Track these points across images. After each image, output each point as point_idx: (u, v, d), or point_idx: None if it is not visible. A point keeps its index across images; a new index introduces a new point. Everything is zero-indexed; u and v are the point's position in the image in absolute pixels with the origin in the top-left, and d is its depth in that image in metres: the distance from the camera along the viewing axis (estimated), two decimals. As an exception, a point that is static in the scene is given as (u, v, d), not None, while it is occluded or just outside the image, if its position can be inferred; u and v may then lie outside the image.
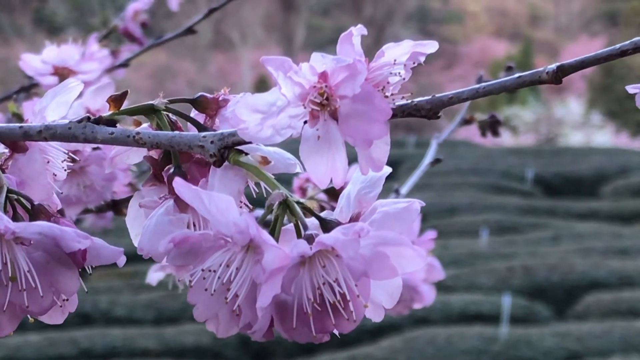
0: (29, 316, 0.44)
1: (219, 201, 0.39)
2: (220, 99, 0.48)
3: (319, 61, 0.41)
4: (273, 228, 0.42)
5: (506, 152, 9.99)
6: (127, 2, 1.20)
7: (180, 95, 0.50)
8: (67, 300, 0.44)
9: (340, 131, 0.41)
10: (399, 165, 7.12)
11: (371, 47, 0.43)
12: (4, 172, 0.46)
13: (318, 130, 0.42)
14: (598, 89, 14.96)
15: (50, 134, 0.45)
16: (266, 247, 0.39)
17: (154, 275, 0.86)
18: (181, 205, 0.45)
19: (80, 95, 0.53)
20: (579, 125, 13.27)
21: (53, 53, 0.93)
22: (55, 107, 0.47)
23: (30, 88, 1.03)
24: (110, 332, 4.12)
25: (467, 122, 1.05)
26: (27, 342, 3.91)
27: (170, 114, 0.47)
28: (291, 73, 0.41)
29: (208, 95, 0.48)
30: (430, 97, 0.42)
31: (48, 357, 3.87)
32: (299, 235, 0.42)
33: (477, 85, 0.42)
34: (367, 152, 0.42)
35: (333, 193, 0.81)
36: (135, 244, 0.46)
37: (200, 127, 0.47)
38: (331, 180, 0.43)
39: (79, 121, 0.45)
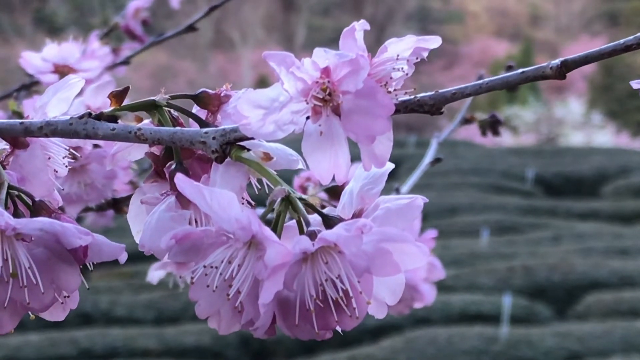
0: (29, 313, 0.43)
1: (221, 197, 0.39)
2: (222, 94, 0.48)
3: (322, 56, 0.40)
4: (275, 224, 0.42)
5: (507, 152, 9.99)
6: (127, 2, 1.20)
7: (181, 95, 0.50)
8: (68, 297, 0.44)
9: (343, 127, 0.41)
10: (399, 165, 7.11)
11: (372, 47, 0.43)
12: (4, 168, 0.46)
13: (320, 126, 0.41)
14: (599, 89, 14.96)
15: (51, 130, 0.45)
16: (268, 243, 0.39)
17: (154, 274, 0.86)
18: (183, 201, 0.45)
19: (81, 93, 0.53)
20: (580, 125, 13.26)
21: (53, 51, 0.93)
22: (57, 103, 0.47)
23: (30, 86, 1.03)
24: (110, 332, 4.11)
25: (467, 121, 1.05)
26: (27, 342, 3.91)
27: (171, 110, 0.47)
28: (293, 68, 0.41)
29: (210, 91, 0.48)
30: (433, 92, 0.42)
31: (48, 357, 3.86)
32: (301, 232, 0.42)
33: (480, 81, 0.42)
34: (370, 148, 0.42)
35: (334, 192, 0.81)
36: (137, 241, 0.45)
37: (202, 123, 0.47)
38: (334, 177, 0.43)
39: (80, 117, 0.45)
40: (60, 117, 0.46)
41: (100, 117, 0.45)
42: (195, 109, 0.49)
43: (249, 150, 0.44)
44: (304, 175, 0.86)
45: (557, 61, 0.40)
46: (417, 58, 0.43)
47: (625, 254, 5.40)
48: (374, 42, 0.42)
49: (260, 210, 0.43)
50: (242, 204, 0.45)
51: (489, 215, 6.58)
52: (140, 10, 1.18)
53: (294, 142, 0.45)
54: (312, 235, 0.40)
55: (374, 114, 0.40)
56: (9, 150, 0.47)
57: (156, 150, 0.48)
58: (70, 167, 0.50)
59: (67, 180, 0.72)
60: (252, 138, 0.43)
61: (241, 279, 0.40)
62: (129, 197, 0.82)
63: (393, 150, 0.44)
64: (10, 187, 0.44)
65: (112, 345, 3.96)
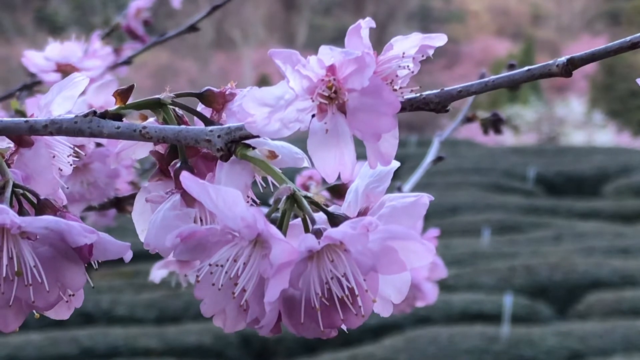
0: (34, 311, 0.43)
1: (227, 195, 0.39)
2: (227, 93, 0.48)
3: (327, 54, 0.40)
4: (281, 222, 0.42)
5: (508, 152, 9.98)
6: (129, 1, 1.20)
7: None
8: (73, 295, 0.44)
9: (349, 125, 0.41)
10: (401, 164, 7.06)
11: (373, 46, 0.43)
12: (9, 166, 0.46)
13: (326, 123, 0.41)
14: (600, 88, 14.95)
15: (56, 128, 0.45)
16: (274, 241, 0.39)
17: (157, 273, 0.86)
18: (188, 199, 0.45)
19: (83, 92, 0.53)
20: (581, 125, 13.26)
21: (56, 50, 0.93)
22: (61, 102, 0.47)
23: (32, 86, 1.02)
24: (112, 331, 4.11)
25: (469, 120, 1.04)
26: (28, 341, 3.91)
27: (176, 108, 0.47)
28: (299, 66, 0.41)
29: (215, 89, 0.48)
30: (439, 90, 0.42)
31: (50, 356, 3.86)
32: (306, 230, 0.42)
33: (486, 79, 0.42)
34: (376, 146, 0.42)
35: (336, 191, 0.80)
36: (142, 240, 0.45)
37: (207, 121, 0.47)
38: (339, 176, 0.43)
39: (85, 115, 0.45)
40: (65, 115, 0.46)
41: (105, 115, 0.45)
42: (200, 108, 0.49)
43: (254, 148, 0.44)
44: (306, 174, 0.86)
45: (563, 59, 0.40)
46: (422, 56, 0.43)
47: (627, 253, 5.39)
48: (376, 41, 0.42)
49: (266, 209, 0.43)
50: (247, 202, 0.45)
51: (490, 214, 6.58)
52: (142, 10, 1.18)
53: (299, 140, 0.45)
54: (318, 234, 0.40)
55: (380, 111, 0.40)
56: (14, 149, 0.47)
57: (161, 148, 0.48)
58: (73, 166, 0.50)
59: (70, 179, 0.72)
60: (258, 136, 0.43)
61: (247, 277, 0.40)
62: (131, 196, 0.82)
63: (394, 150, 0.44)
64: (15, 185, 0.44)
65: (114, 345, 3.96)
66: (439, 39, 0.43)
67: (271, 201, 0.43)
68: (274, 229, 0.39)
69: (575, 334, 3.95)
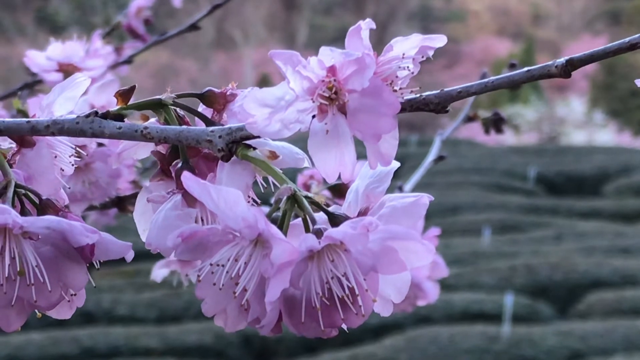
0: (36, 311, 0.44)
1: (228, 195, 0.39)
2: (228, 93, 0.48)
3: (328, 55, 0.41)
4: (281, 222, 0.42)
5: (508, 151, 9.99)
6: (129, 0, 1.20)
7: (183, 94, 0.50)
8: (75, 295, 0.44)
9: (349, 125, 0.41)
10: (401, 164, 7.06)
11: (374, 46, 0.43)
12: (11, 166, 0.46)
13: (326, 124, 0.41)
14: (600, 88, 14.95)
15: (58, 128, 0.45)
16: (275, 241, 0.39)
17: (158, 272, 0.86)
18: (189, 199, 0.45)
19: (85, 92, 0.53)
20: (582, 124, 13.26)
21: (58, 50, 0.93)
22: (63, 102, 0.47)
23: (33, 85, 1.03)
24: (112, 330, 4.12)
25: (470, 119, 1.05)
26: (29, 341, 3.91)
27: (177, 109, 0.47)
28: (300, 67, 0.41)
29: (216, 90, 0.48)
30: (438, 91, 0.42)
31: (50, 355, 3.87)
32: (307, 230, 0.42)
33: (486, 80, 0.42)
34: (376, 147, 0.42)
35: (337, 190, 0.81)
36: (144, 239, 0.46)
37: (208, 122, 0.47)
38: (339, 176, 0.43)
39: (87, 116, 0.45)
40: (67, 115, 0.46)
41: (106, 115, 0.45)
42: (201, 108, 0.49)
43: (255, 148, 0.44)
44: (307, 173, 0.86)
45: (562, 60, 0.40)
46: (422, 57, 0.43)
47: (627, 252, 5.39)
48: (376, 41, 0.42)
49: (266, 209, 0.44)
50: (248, 202, 0.45)
51: (491, 214, 6.58)
52: (143, 9, 1.18)
53: (300, 140, 0.45)
54: (319, 234, 0.40)
55: (380, 112, 0.40)
56: (16, 149, 0.47)
57: (162, 148, 0.48)
58: (74, 166, 0.50)
59: (72, 178, 0.72)
60: (258, 137, 0.43)
61: (247, 277, 0.40)
62: (133, 196, 0.82)
63: (395, 149, 0.44)
64: (17, 185, 0.44)
65: (114, 344, 3.97)
66: (439, 40, 0.43)
67: (272, 201, 0.43)
68: (274, 229, 0.39)
69: (576, 334, 3.95)
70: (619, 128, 13.69)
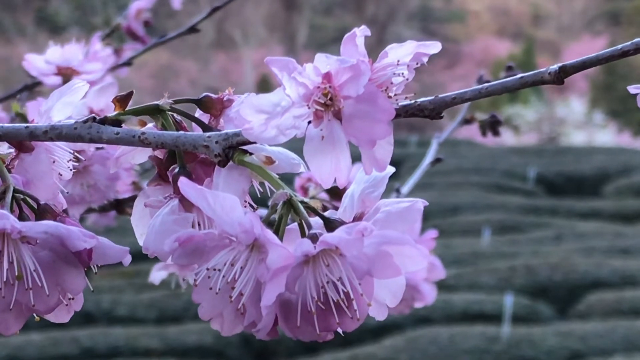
0: (34, 315, 0.44)
1: (224, 201, 0.40)
2: (224, 99, 0.48)
3: (323, 62, 0.41)
4: (277, 227, 0.43)
5: (508, 152, 9.99)
6: (129, 1, 1.20)
7: (183, 94, 0.50)
8: (73, 299, 0.44)
9: (344, 131, 0.42)
10: (401, 165, 7.12)
11: (373, 47, 0.43)
12: (10, 171, 0.46)
13: (322, 130, 0.42)
14: (600, 88, 14.95)
15: (56, 134, 0.45)
16: (270, 246, 0.40)
17: (157, 274, 0.86)
18: (186, 204, 0.45)
19: (84, 94, 0.53)
20: (581, 125, 13.26)
21: (57, 53, 0.93)
22: (61, 108, 0.47)
23: (33, 87, 1.03)
24: (112, 331, 4.12)
25: (467, 121, 1.05)
26: (29, 341, 3.92)
27: (175, 114, 0.48)
28: (295, 74, 0.41)
29: (212, 95, 0.49)
30: (433, 97, 0.43)
31: (50, 356, 3.87)
32: (303, 235, 0.43)
33: (480, 86, 0.42)
34: (371, 152, 0.42)
35: (335, 193, 0.81)
36: (141, 244, 0.46)
37: (205, 127, 0.47)
38: (335, 180, 0.43)
39: (85, 121, 0.45)
40: (65, 121, 0.46)
41: (104, 121, 0.46)
42: (198, 113, 0.49)
43: (251, 154, 0.45)
44: (305, 176, 0.87)
45: (555, 67, 0.41)
46: (417, 63, 0.43)
47: (627, 253, 5.40)
48: (376, 41, 0.43)
49: (263, 213, 0.44)
50: (245, 207, 0.46)
51: (491, 214, 6.58)
52: (142, 11, 1.18)
53: (296, 146, 0.45)
54: (314, 238, 0.41)
55: (375, 118, 0.41)
56: (15, 154, 0.47)
57: (159, 153, 0.48)
58: (73, 171, 0.51)
59: (70, 181, 0.72)
60: (255, 142, 0.43)
61: (243, 282, 0.41)
62: (131, 198, 0.82)
63: (394, 150, 0.44)
64: (15, 190, 0.45)
65: (114, 345, 3.97)
66: (433, 47, 0.43)
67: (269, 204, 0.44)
68: (270, 234, 0.40)
69: (576, 334, 3.96)
70: (618, 128, 13.69)
